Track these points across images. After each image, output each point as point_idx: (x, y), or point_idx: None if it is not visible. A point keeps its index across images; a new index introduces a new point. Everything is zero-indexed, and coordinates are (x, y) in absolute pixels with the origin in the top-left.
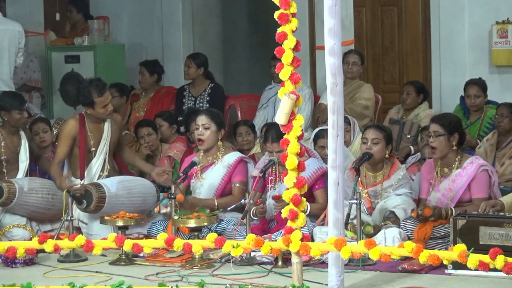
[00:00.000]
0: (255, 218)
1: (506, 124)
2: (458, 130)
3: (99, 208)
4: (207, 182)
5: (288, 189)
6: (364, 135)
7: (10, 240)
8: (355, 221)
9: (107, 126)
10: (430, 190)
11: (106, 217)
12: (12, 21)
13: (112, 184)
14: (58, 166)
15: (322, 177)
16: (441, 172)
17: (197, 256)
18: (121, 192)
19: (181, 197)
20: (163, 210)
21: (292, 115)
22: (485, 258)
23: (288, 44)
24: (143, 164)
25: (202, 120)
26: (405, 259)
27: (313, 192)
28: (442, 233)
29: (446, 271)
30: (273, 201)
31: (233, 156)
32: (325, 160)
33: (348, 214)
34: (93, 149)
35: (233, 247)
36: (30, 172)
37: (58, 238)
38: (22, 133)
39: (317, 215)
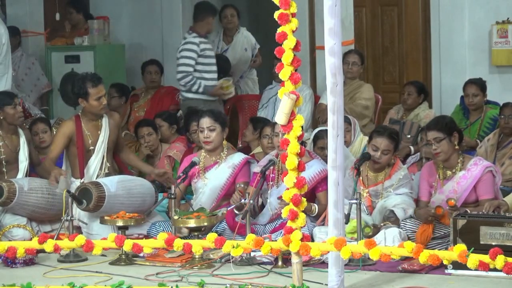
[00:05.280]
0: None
1: None
2: (456, 129)
3: (98, 207)
4: (211, 182)
5: (288, 189)
6: (375, 142)
7: (10, 240)
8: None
9: (104, 124)
10: (432, 192)
11: (106, 217)
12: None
13: (112, 184)
14: (50, 162)
15: (326, 179)
16: (443, 175)
17: (197, 256)
18: (120, 192)
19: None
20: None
21: (292, 115)
22: (485, 258)
23: (288, 44)
24: (143, 165)
25: (206, 122)
26: (405, 259)
27: (316, 193)
28: (442, 233)
29: (446, 271)
30: (277, 200)
31: (238, 157)
32: (324, 160)
33: (348, 214)
34: (91, 147)
35: (233, 247)
36: (30, 173)
37: (58, 238)
38: (21, 132)
39: (319, 217)
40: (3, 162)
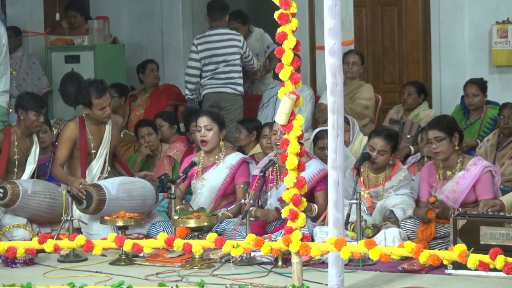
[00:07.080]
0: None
1: None
2: (457, 129)
3: (98, 210)
4: (209, 183)
5: (288, 189)
6: (371, 143)
7: (10, 240)
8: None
9: (108, 129)
10: (432, 192)
11: (106, 217)
12: None
13: (113, 186)
14: (60, 169)
15: (324, 179)
16: (443, 175)
17: (197, 256)
18: (121, 195)
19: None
20: None
21: (292, 115)
22: (485, 258)
23: (288, 44)
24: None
25: (204, 121)
26: (405, 259)
27: (314, 193)
28: (442, 233)
29: (446, 271)
30: (277, 202)
31: (235, 157)
32: (324, 160)
33: (348, 214)
34: (93, 151)
35: (233, 247)
36: (38, 175)
37: (58, 238)
38: (35, 137)
39: (318, 217)
40: (16, 162)
